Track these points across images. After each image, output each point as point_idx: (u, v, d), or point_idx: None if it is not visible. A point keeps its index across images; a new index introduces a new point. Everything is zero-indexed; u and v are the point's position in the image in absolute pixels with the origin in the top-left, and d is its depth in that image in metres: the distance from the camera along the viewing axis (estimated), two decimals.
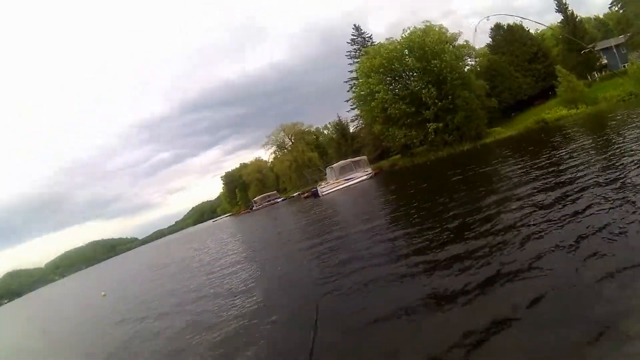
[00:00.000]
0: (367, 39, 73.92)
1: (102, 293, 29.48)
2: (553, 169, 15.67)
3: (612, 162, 13.53)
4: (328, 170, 60.54)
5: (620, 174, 11.38)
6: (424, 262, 9.14)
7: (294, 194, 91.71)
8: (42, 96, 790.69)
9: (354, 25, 74.70)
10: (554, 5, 58.89)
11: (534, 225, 9.18)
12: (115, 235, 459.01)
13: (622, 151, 14.85)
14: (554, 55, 60.66)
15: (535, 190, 12.70)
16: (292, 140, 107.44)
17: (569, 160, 16.61)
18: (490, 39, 65.10)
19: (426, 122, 49.72)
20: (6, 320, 48.54)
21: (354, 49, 74.08)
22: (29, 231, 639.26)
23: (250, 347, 8.12)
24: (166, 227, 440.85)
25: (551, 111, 46.60)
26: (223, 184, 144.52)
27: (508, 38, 61.05)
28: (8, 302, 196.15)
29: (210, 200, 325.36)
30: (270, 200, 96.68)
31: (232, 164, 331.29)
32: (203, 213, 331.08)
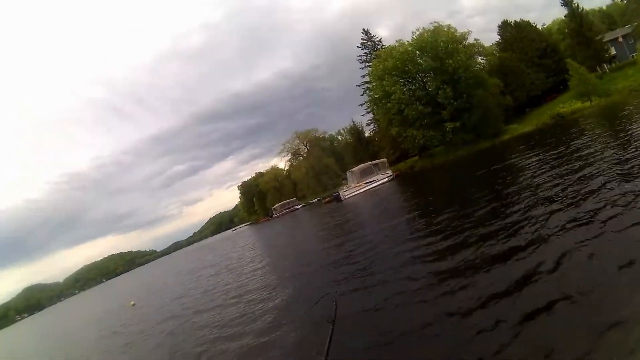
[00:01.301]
0: (377, 42, 74.35)
1: (132, 302, 30.34)
2: (575, 163, 15.87)
3: (633, 153, 13.80)
4: (349, 173, 60.84)
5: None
6: (445, 270, 9.38)
7: (313, 200, 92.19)
8: (44, 107, 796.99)
9: (363, 29, 75.23)
10: (556, 0, 59.24)
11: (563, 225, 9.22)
12: (134, 249, 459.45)
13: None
14: (562, 49, 61.03)
15: (558, 187, 12.93)
16: (308, 147, 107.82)
17: (590, 153, 16.94)
18: (499, 37, 65.65)
19: (443, 122, 50.28)
20: (36, 335, 48.07)
21: (365, 53, 74.52)
22: (47, 246, 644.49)
23: (273, 343, 9.10)
24: (184, 238, 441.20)
25: (565, 105, 46.84)
26: (240, 193, 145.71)
27: (516, 35, 61.55)
28: (28, 316, 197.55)
29: (228, 211, 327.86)
30: (290, 207, 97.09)
31: (248, 173, 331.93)
32: (221, 223, 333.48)
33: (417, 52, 53.50)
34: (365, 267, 12.28)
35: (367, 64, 71.33)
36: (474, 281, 8.05)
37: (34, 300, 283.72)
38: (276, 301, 12.77)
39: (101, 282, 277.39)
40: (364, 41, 74.94)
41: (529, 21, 63.43)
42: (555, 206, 11.03)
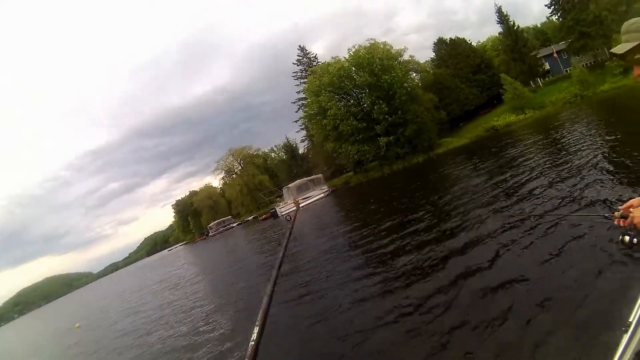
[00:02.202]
0: (312, 59, 73.88)
1: (76, 324, 28.86)
2: (504, 171, 17.01)
3: (559, 159, 15.33)
4: (285, 190, 59.95)
5: (565, 168, 13.15)
6: (385, 279, 9.41)
7: (249, 218, 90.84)
8: None
9: (299, 46, 74.95)
10: (491, 18, 60.63)
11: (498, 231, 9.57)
12: (71, 270, 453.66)
13: (568, 148, 17.22)
14: (496, 65, 62.23)
15: (489, 194, 13.77)
16: (242, 165, 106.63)
17: (518, 162, 18.33)
18: (434, 53, 66.37)
19: (378, 137, 49.86)
20: None
21: (300, 69, 74.00)
22: None
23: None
24: (120, 259, 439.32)
25: (500, 118, 47.50)
26: (175, 212, 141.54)
27: (451, 52, 62.18)
28: None
29: (162, 230, 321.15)
30: (226, 225, 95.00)
31: (182, 192, 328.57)
32: (156, 243, 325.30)
33: (353, 68, 53.06)
34: (305, 280, 12.42)
35: (302, 80, 70.76)
36: (409, 288, 8.26)
37: None
38: (217, 315, 13.15)
39: (40, 305, 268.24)
40: (300, 57, 74.40)
41: (464, 38, 64.36)
42: (485, 211, 11.82)
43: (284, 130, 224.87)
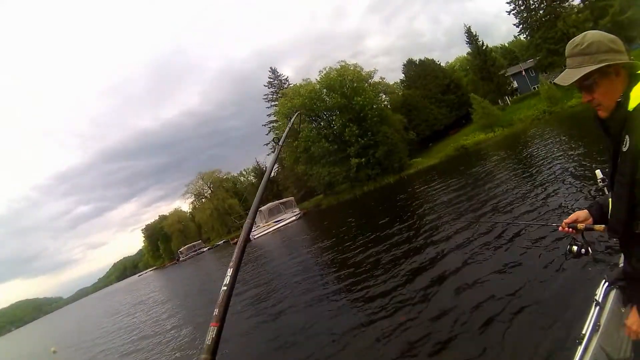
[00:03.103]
0: (283, 81, 73.91)
1: (52, 349, 27.90)
2: (472, 188, 17.74)
3: (524, 174, 16.25)
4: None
5: (529, 182, 13.96)
6: (356, 298, 9.54)
7: (219, 242, 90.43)
8: None
9: (270, 68, 74.77)
10: (459, 39, 61.48)
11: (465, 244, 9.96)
12: (40, 295, 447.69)
13: (533, 163, 18.02)
14: (464, 84, 62.96)
15: (460, 208, 14.28)
16: (212, 189, 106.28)
17: (486, 178, 18.98)
18: (403, 75, 66.86)
19: (349, 158, 49.86)
20: None
21: (271, 91, 73.83)
22: None
23: None
24: (90, 285, 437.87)
25: (469, 137, 47.72)
26: (144, 236, 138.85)
27: (420, 72, 62.64)
28: None
29: (132, 255, 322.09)
30: (196, 250, 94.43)
31: (151, 216, 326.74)
32: (125, 268, 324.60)
33: (325, 90, 53.17)
34: (276, 299, 12.96)
35: (273, 103, 70.77)
36: (377, 300, 8.53)
37: None
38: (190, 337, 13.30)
39: (10, 330, 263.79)
40: (271, 80, 74.33)
41: (432, 59, 65.03)
42: (456, 227, 11.98)
43: (252, 154, 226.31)
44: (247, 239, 2.34)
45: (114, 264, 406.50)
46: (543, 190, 12.07)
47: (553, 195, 11.12)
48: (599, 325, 2.43)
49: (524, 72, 61.10)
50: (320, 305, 10.67)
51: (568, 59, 1.93)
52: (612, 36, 1.83)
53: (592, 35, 1.84)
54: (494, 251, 8.75)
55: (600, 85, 1.85)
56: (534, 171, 15.82)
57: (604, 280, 2.61)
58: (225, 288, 1.99)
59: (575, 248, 2.58)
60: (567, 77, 1.89)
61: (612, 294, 2.58)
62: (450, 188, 20.90)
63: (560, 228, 2.53)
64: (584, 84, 1.88)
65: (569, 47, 1.90)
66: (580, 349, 2.32)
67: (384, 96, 58.91)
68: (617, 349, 2.45)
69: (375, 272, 11.05)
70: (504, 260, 7.97)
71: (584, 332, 2.39)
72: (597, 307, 2.50)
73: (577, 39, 1.87)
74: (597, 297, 2.55)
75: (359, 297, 9.76)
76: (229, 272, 2.10)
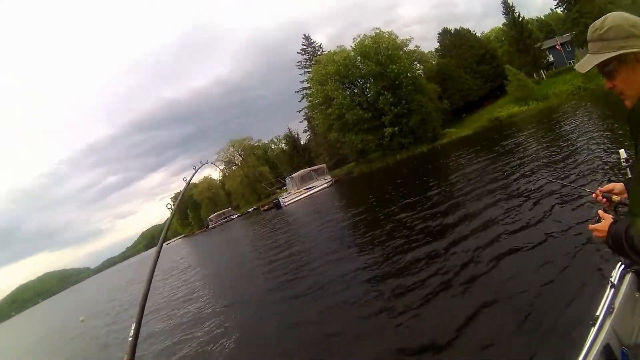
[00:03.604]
0: (316, 48, 73.73)
1: (81, 318, 28.40)
2: (508, 158, 17.46)
3: (558, 148, 15.66)
4: (288, 180, 59.73)
5: (561, 155, 13.43)
6: (382, 273, 9.37)
7: (249, 209, 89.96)
8: None
9: (304, 35, 74.63)
10: (494, 10, 60.64)
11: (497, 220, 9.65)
12: (67, 266, 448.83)
13: (568, 137, 17.54)
14: (500, 56, 62.21)
15: (495, 185, 13.34)
16: (242, 156, 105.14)
17: (521, 149, 18.64)
18: (438, 44, 66.34)
19: (382, 127, 49.99)
20: None
21: (305, 58, 73.68)
22: None
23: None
24: (117, 254, 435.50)
25: (503, 109, 47.52)
26: (173, 205, 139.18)
27: (455, 42, 62.05)
28: None
29: (160, 224, 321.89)
30: (226, 217, 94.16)
31: (180, 184, 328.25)
32: (153, 237, 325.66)
33: (359, 57, 53.02)
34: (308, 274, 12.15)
35: (306, 70, 70.55)
36: (411, 283, 7.98)
37: None
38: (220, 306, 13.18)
39: (37, 302, 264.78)
40: (304, 47, 74.24)
41: (468, 29, 64.22)
42: (491, 199, 11.72)
43: (280, 124, 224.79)
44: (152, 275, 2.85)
45: (142, 233, 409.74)
46: (574, 165, 12.08)
47: (585, 171, 11.05)
48: (613, 308, 2.47)
49: (559, 46, 59.95)
50: (346, 268, 10.93)
51: (589, 44, 1.87)
52: (635, 19, 1.73)
53: (613, 18, 1.75)
54: (523, 217, 8.93)
55: (620, 72, 1.79)
56: (567, 145, 15.72)
57: (620, 262, 2.69)
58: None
59: None
60: (586, 63, 1.85)
61: (628, 277, 2.66)
62: (484, 158, 21.01)
63: (594, 195, 2.45)
64: (604, 70, 1.82)
65: (590, 31, 1.83)
66: (593, 331, 2.36)
67: (418, 65, 58.26)
68: (630, 334, 2.47)
69: (406, 239, 11.21)
70: (531, 227, 8.17)
71: (597, 313, 2.44)
72: (612, 289, 2.58)
73: (598, 22, 1.80)
74: (612, 279, 2.63)
75: (388, 261, 10.00)
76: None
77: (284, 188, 67.50)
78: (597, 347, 2.25)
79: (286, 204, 51.38)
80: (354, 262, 11.40)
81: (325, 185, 53.84)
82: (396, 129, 49.03)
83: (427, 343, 5.59)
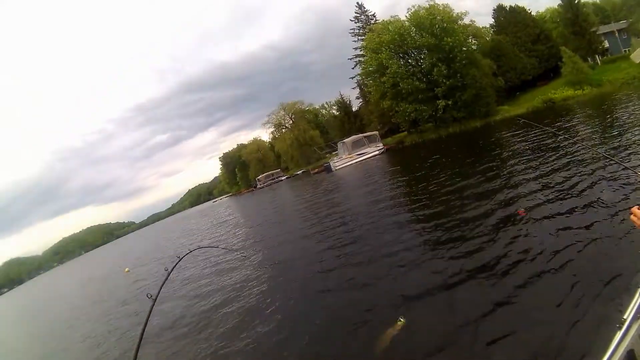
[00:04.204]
0: (370, 16, 74.41)
1: (126, 269, 29.70)
2: (567, 145, 16.69)
3: (614, 134, 15.79)
4: (340, 144, 60.76)
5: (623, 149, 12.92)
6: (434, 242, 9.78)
7: (298, 172, 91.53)
8: (37, 84, 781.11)
9: (357, 2, 74.85)
10: None
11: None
12: (112, 220, 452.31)
13: (623, 125, 17.39)
14: (554, 37, 61.55)
15: (550, 165, 13.66)
16: (293, 119, 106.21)
17: (581, 133, 18.78)
18: (493, 20, 66.10)
19: (435, 98, 50.53)
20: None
21: (357, 26, 74.55)
22: (25, 220, 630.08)
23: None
24: (163, 210, 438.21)
25: (557, 91, 47.21)
26: (221, 164, 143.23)
27: (511, 19, 61.91)
28: (8, 290, 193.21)
29: (207, 182, 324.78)
30: (274, 179, 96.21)
31: (229, 145, 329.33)
32: (199, 195, 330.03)
33: (413, 28, 53.33)
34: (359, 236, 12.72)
35: (360, 37, 71.37)
36: (465, 254, 8.40)
37: (13, 275, 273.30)
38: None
39: (80, 254, 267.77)
40: (357, 15, 74.96)
41: (524, 7, 63.75)
42: (543, 181, 11.94)
43: (331, 90, 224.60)
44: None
45: (189, 190, 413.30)
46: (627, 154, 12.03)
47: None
48: None
49: (616, 33, 59.26)
50: (395, 233, 11.43)
51: None
52: None
53: None
54: (568, 205, 9.09)
55: None
56: (623, 132, 15.68)
57: None
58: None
59: None
60: None
61: None
62: (538, 137, 21.02)
63: None
64: None
65: None
66: (619, 334, 2.34)
67: (472, 40, 58.31)
68: None
69: (458, 210, 11.56)
70: (576, 215, 8.40)
71: (625, 317, 2.42)
72: None
73: None
74: None
75: (435, 228, 10.59)
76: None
77: (334, 153, 68.54)
78: (620, 352, 2.27)
79: (337, 168, 52.76)
80: (403, 229, 11.85)
81: (377, 152, 55.02)
82: (450, 101, 49.57)
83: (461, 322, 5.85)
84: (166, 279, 4.67)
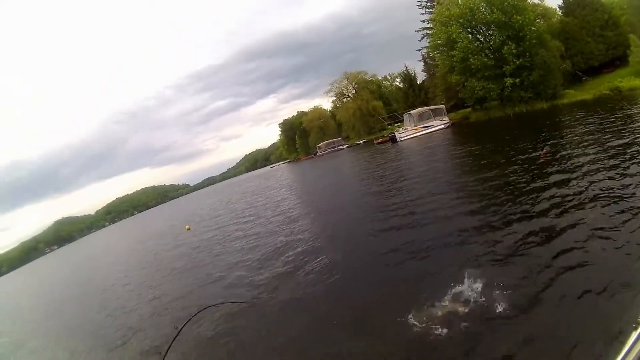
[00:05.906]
0: None
1: (187, 226, 31.50)
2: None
3: None
4: (406, 116, 61.57)
5: None
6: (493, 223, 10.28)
7: (359, 142, 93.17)
8: (95, 48, 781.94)
9: None
10: None
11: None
12: (167, 182, 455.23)
13: None
14: (622, 24, 60.54)
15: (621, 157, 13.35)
16: (356, 89, 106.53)
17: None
18: (562, 1, 65.15)
19: (503, 76, 51.03)
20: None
21: None
22: (79, 180, 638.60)
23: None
24: (218, 174, 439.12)
25: (624, 80, 46.22)
26: (281, 130, 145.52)
27: (580, 2, 61.02)
28: (57, 248, 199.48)
29: (264, 148, 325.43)
30: (335, 147, 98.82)
31: (288, 112, 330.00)
32: (256, 160, 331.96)
33: (483, 3, 53.33)
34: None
35: (428, 10, 71.96)
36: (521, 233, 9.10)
37: (64, 233, 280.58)
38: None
39: (132, 214, 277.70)
40: None
41: None
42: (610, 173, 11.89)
43: (393, 61, 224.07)
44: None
45: (245, 155, 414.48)
46: None
47: None
48: None
49: None
50: (454, 210, 11.95)
51: None
52: None
53: None
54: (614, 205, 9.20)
55: None
56: None
57: None
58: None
59: None
60: None
61: None
62: (609, 122, 21.23)
63: None
64: None
65: None
66: (634, 334, 2.34)
67: (541, 20, 58.13)
68: None
69: (518, 193, 11.82)
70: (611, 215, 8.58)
71: None
72: None
73: None
74: None
75: (496, 212, 10.82)
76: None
77: (397, 124, 69.57)
78: (635, 352, 2.27)
79: (402, 139, 54.67)
80: (462, 206, 12.39)
81: (443, 126, 56.24)
82: (517, 80, 50.01)
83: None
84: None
